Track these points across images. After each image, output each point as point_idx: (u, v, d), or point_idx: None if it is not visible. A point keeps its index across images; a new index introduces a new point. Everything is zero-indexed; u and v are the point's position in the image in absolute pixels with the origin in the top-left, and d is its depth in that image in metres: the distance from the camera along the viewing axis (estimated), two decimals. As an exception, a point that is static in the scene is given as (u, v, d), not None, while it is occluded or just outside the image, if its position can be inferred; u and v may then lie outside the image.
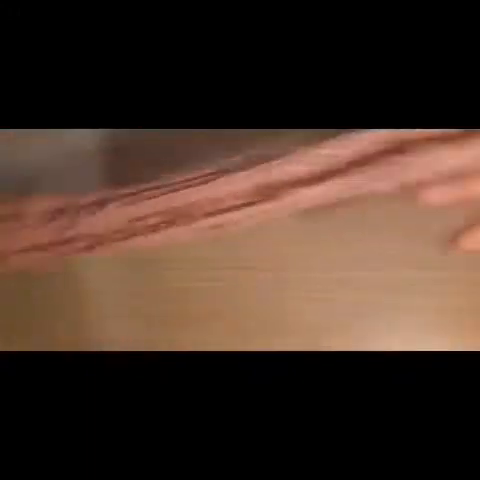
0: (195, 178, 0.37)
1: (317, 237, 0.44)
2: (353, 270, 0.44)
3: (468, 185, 0.34)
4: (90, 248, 0.39)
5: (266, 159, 0.37)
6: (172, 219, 0.37)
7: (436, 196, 0.36)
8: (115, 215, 0.38)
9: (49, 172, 0.49)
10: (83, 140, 0.48)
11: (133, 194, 0.38)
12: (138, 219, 0.38)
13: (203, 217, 0.38)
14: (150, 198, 0.38)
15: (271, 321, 0.44)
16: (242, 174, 0.37)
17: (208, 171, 0.37)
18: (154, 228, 0.38)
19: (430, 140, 0.34)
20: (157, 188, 0.38)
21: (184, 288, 0.45)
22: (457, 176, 0.35)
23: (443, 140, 0.34)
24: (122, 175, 0.45)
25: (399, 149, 0.35)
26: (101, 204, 0.38)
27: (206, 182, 0.37)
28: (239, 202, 0.37)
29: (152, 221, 0.38)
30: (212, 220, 0.38)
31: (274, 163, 0.36)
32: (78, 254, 0.39)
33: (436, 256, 0.45)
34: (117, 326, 0.44)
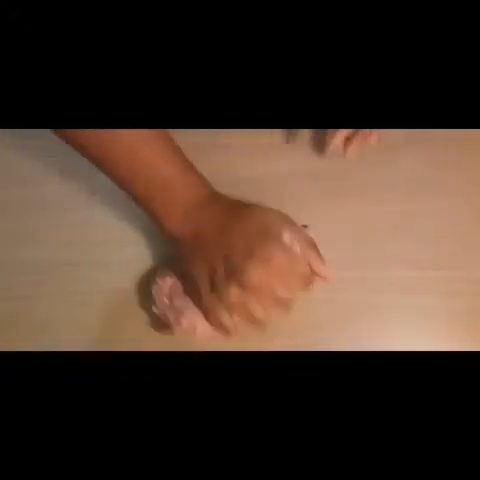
0: None
1: (318, 237, 0.44)
2: (353, 270, 0.45)
3: None
4: None
5: None
6: None
7: None
8: None
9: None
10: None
11: None
12: None
13: None
14: None
15: (271, 322, 0.44)
16: None
17: None
18: None
19: None
20: None
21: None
22: None
23: None
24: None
25: None
26: None
27: None
28: None
29: None
30: None
31: None
32: None
33: (436, 256, 0.45)
34: (118, 326, 0.45)
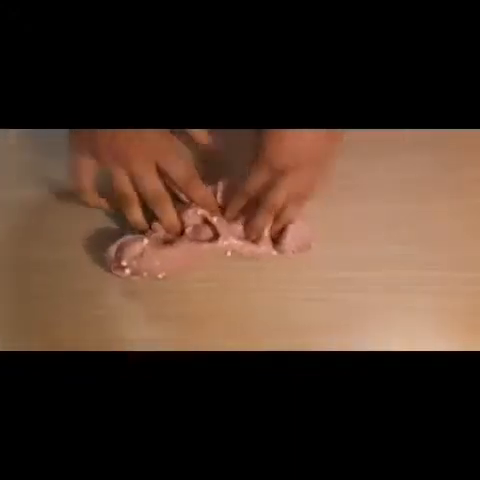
0: None
1: (317, 237, 0.44)
2: (353, 270, 0.45)
3: None
4: None
5: None
6: None
7: None
8: None
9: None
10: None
11: None
12: None
13: None
14: None
15: (271, 321, 0.44)
16: None
17: None
18: None
19: None
20: None
21: (185, 289, 0.45)
22: None
23: None
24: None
25: None
26: None
27: None
28: None
29: None
30: None
31: None
32: None
33: (436, 256, 0.45)
34: (119, 326, 0.45)
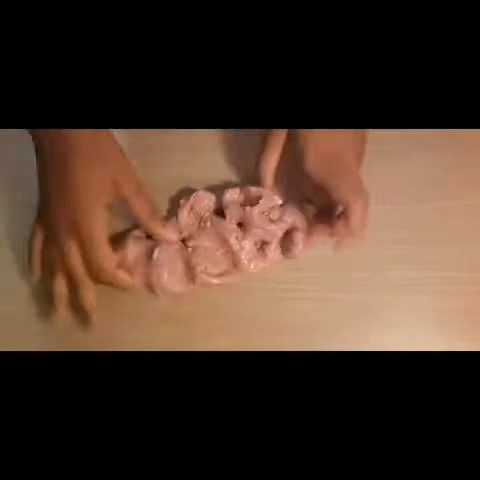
0: None
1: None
2: (354, 270, 0.44)
3: None
4: None
5: None
6: None
7: None
8: None
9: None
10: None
11: None
12: None
13: None
14: None
15: (271, 321, 0.44)
16: None
17: None
18: None
19: None
20: None
21: (186, 289, 0.45)
22: None
23: None
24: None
25: None
26: None
27: None
28: None
29: None
30: None
31: None
32: None
33: (436, 256, 0.45)
34: (120, 326, 0.45)
